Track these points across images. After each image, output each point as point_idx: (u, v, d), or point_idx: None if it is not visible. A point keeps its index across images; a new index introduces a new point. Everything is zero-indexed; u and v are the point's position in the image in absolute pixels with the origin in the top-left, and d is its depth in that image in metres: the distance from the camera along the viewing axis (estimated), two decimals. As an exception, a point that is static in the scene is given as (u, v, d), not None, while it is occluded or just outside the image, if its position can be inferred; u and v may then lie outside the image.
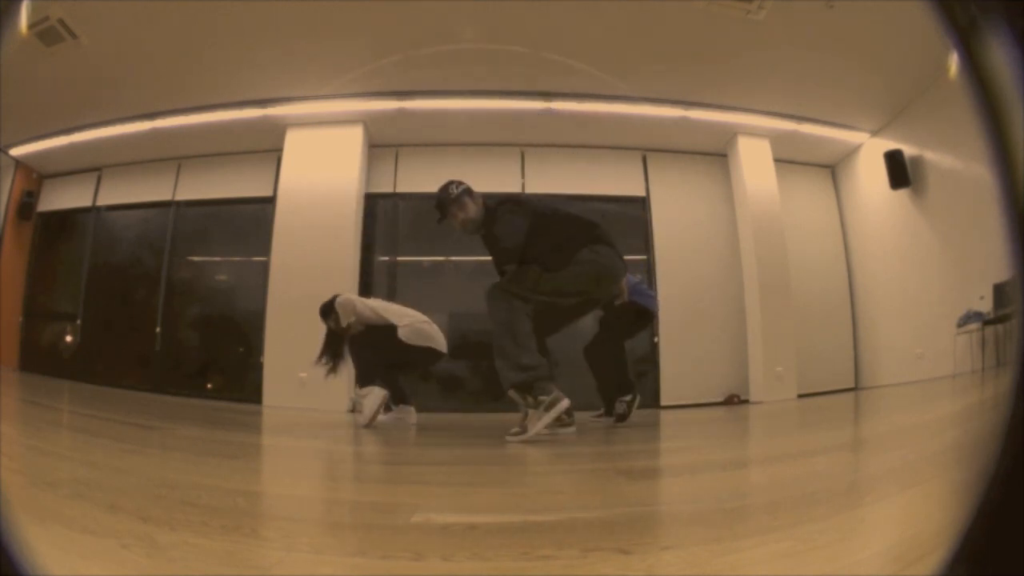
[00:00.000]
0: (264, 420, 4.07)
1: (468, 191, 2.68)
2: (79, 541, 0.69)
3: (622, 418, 3.29)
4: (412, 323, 3.50)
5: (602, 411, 3.49)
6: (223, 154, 6.52)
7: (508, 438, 2.28)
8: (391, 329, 3.45)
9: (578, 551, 0.70)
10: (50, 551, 0.60)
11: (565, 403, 2.33)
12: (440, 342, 3.54)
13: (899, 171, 5.76)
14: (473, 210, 2.66)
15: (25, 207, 6.86)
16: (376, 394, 3.26)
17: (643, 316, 3.61)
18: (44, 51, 4.73)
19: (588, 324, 3.55)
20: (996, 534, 0.32)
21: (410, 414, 3.50)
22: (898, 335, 5.92)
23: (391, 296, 6.38)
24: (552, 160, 6.40)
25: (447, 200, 2.66)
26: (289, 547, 0.73)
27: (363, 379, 3.39)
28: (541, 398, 2.30)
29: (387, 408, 3.43)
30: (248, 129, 6.07)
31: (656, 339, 6.05)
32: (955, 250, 5.19)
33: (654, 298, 3.73)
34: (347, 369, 3.59)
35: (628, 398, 3.34)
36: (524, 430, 2.28)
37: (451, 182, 2.71)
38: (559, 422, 2.38)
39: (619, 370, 3.44)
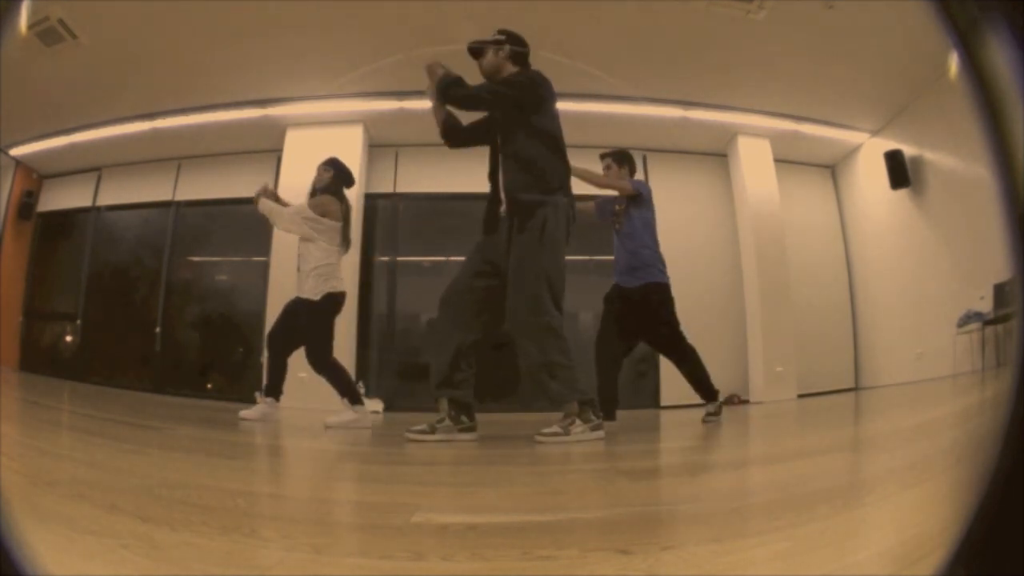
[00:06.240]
0: (264, 420, 4.05)
1: (523, 57, 2.69)
2: (79, 541, 0.69)
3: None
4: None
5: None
6: (223, 154, 6.52)
7: (541, 438, 2.23)
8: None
9: (578, 551, 0.70)
10: (50, 551, 0.60)
11: (602, 433, 2.32)
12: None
13: (899, 171, 5.76)
14: (505, 69, 2.64)
15: (25, 207, 6.86)
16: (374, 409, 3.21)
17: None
18: (44, 51, 4.72)
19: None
20: (996, 534, 0.32)
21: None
22: (898, 335, 5.91)
23: (391, 294, 6.40)
24: (552, 160, 6.40)
25: (490, 44, 2.67)
26: (289, 547, 0.73)
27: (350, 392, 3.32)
28: (593, 419, 2.29)
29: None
30: (248, 129, 6.07)
31: (656, 339, 6.05)
32: (955, 250, 5.18)
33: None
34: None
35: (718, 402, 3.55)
36: (566, 432, 2.23)
37: (518, 37, 2.71)
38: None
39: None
